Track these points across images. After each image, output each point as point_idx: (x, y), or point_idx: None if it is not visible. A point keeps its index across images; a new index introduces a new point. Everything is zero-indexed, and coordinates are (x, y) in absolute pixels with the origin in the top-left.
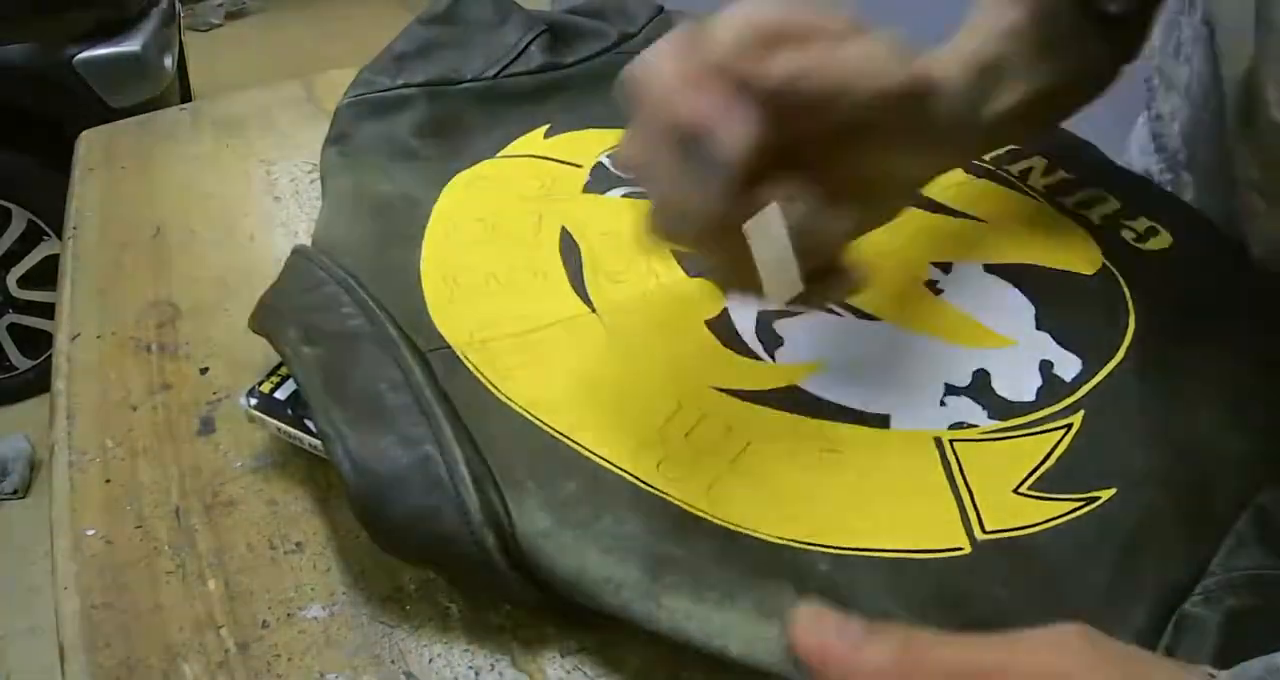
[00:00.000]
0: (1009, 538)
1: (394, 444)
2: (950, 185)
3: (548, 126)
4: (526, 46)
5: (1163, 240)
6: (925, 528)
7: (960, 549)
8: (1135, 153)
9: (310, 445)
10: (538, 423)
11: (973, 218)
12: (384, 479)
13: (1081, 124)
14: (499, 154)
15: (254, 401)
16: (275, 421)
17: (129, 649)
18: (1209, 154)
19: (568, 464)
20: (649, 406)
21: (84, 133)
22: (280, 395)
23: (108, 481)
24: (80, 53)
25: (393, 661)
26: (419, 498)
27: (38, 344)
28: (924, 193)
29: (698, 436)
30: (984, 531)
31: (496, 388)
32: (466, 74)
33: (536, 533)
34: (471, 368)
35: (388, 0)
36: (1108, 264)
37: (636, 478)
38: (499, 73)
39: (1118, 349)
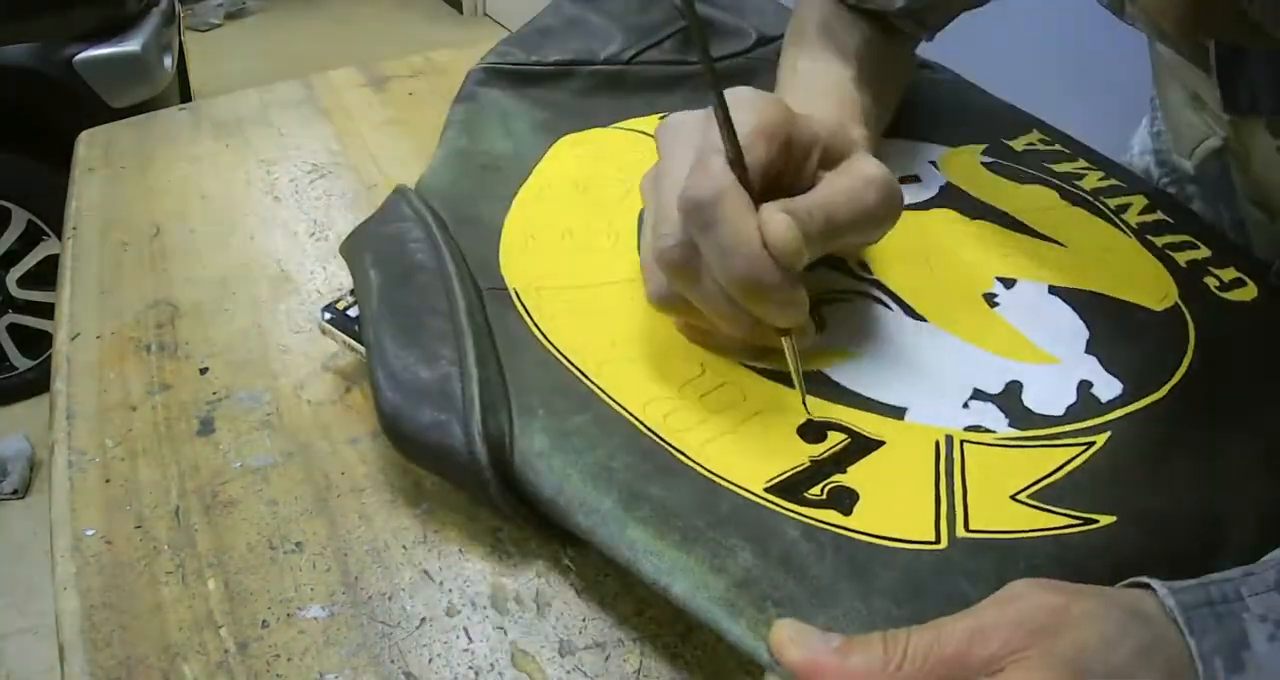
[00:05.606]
0: (990, 539)
1: (421, 359)
2: (1041, 209)
3: (664, 114)
4: (668, 37)
5: (1248, 292)
6: (903, 518)
7: (934, 543)
8: (1136, 152)
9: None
10: (564, 361)
11: (1052, 241)
12: (408, 389)
13: (1090, 125)
14: (611, 126)
15: (329, 316)
16: (343, 335)
17: (129, 649)
18: (1214, 164)
19: (581, 400)
20: (674, 367)
21: (84, 133)
22: (352, 313)
23: (107, 481)
24: (80, 53)
25: (392, 661)
26: (433, 410)
27: (38, 344)
28: (1011, 212)
29: (712, 399)
30: (966, 530)
31: (539, 328)
32: (600, 55)
33: (532, 453)
34: (521, 308)
35: (387, 1)
36: (1180, 304)
37: (640, 422)
38: (633, 57)
39: (1164, 384)
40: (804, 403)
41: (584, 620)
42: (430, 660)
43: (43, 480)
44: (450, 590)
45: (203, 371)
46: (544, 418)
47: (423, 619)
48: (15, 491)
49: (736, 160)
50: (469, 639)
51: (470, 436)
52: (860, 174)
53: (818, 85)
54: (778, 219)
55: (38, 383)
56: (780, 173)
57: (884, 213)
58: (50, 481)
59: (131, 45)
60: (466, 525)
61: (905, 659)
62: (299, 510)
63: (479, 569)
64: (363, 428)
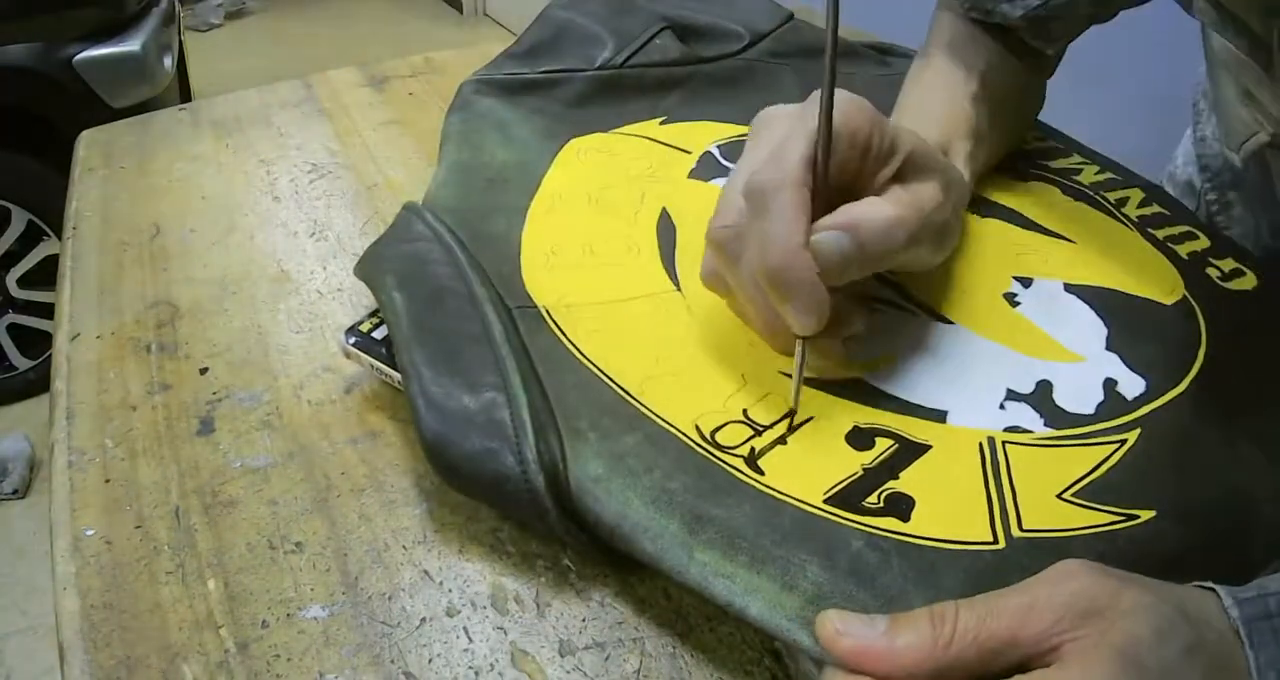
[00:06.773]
0: (1045, 538)
1: (464, 387)
2: (1047, 206)
3: (665, 117)
4: (651, 38)
5: (1248, 281)
6: (959, 521)
7: (993, 543)
8: (1180, 163)
9: (398, 382)
10: (607, 380)
11: (1062, 238)
12: (452, 417)
13: (1129, 138)
14: (613, 131)
15: (353, 340)
16: (370, 358)
17: (129, 649)
18: (1257, 168)
19: (630, 420)
20: (715, 380)
21: (84, 133)
22: (377, 335)
23: (107, 481)
24: (80, 53)
25: (392, 661)
26: (481, 438)
27: (38, 344)
28: (1019, 210)
29: (757, 411)
30: (1021, 529)
31: (575, 346)
32: (596, 61)
33: (588, 478)
34: (553, 326)
35: (387, 0)
36: (1188, 296)
37: (692, 440)
38: (625, 61)
39: (1184, 377)
40: (794, 405)
41: (584, 620)
42: (430, 660)
43: (43, 480)
44: (450, 590)
45: (203, 371)
46: (595, 441)
47: (423, 619)
48: (15, 491)
49: (816, 159)
50: (469, 639)
51: (525, 464)
52: (916, 202)
53: (934, 97)
54: (831, 236)
55: (38, 383)
56: (854, 175)
57: (926, 246)
58: (50, 481)
59: (131, 45)
60: (466, 525)
61: (955, 635)
62: (299, 510)
63: (479, 569)
64: (362, 428)
